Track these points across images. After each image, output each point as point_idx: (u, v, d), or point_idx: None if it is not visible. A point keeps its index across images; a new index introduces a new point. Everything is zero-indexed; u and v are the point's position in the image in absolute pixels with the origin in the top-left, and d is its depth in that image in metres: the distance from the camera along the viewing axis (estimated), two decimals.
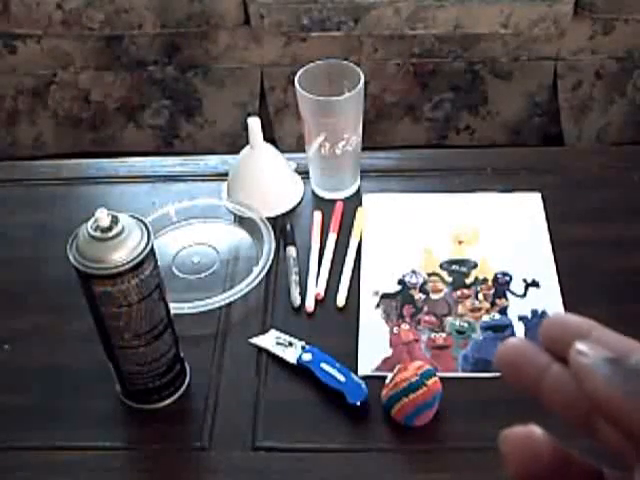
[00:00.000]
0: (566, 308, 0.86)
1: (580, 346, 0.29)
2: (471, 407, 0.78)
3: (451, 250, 0.95)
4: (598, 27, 1.80)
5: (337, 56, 1.09)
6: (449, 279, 0.91)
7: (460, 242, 0.95)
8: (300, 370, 0.81)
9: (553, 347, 0.31)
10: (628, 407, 0.27)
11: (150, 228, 0.71)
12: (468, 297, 0.89)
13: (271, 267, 0.91)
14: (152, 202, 1.01)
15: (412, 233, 0.97)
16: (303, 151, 1.01)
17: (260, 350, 0.85)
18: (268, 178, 1.01)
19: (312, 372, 0.80)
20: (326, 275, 0.92)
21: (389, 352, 0.84)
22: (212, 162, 1.09)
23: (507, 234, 0.96)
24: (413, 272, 0.92)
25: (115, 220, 0.68)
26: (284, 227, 0.98)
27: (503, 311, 0.87)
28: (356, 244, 0.95)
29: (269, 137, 1.04)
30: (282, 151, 1.02)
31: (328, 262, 0.93)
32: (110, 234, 0.68)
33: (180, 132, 2.00)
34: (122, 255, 0.68)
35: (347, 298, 0.89)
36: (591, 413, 0.29)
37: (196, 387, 0.82)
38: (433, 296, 0.89)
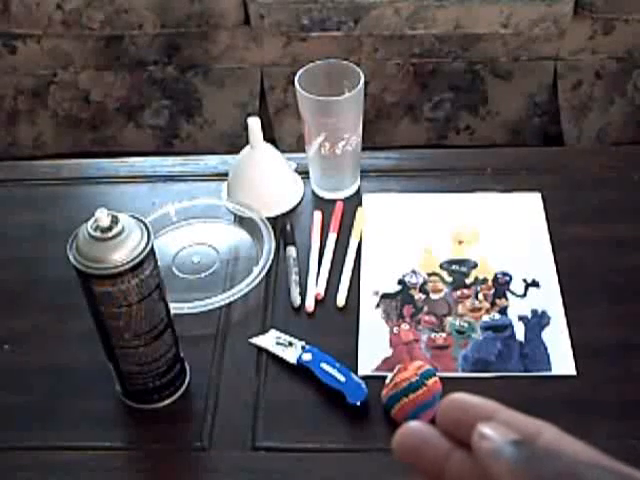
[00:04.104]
0: (566, 308, 0.86)
1: (484, 429, 0.28)
2: None
3: (451, 250, 0.95)
4: (598, 27, 1.80)
5: (337, 56, 1.09)
6: (449, 279, 0.91)
7: (460, 242, 0.95)
8: (300, 370, 0.81)
9: (453, 430, 0.30)
10: None
11: (150, 228, 0.71)
12: (468, 297, 0.89)
13: (271, 267, 0.91)
14: (152, 202, 1.01)
15: (412, 233, 0.97)
16: (303, 151, 1.01)
17: (260, 350, 0.85)
18: (268, 178, 1.01)
19: (312, 372, 0.80)
20: (326, 275, 0.92)
21: (389, 352, 0.84)
22: (212, 162, 1.09)
23: (507, 234, 0.96)
24: (413, 272, 0.92)
25: (115, 220, 0.68)
26: (284, 227, 0.98)
27: (503, 311, 0.87)
28: (356, 244, 0.95)
29: (269, 137, 1.04)
30: (282, 151, 1.02)
31: (328, 262, 0.93)
32: (110, 234, 0.68)
33: (180, 132, 2.00)
34: (122, 255, 0.68)
35: (347, 298, 0.89)
36: None
37: (196, 387, 0.82)
38: (433, 296, 0.89)
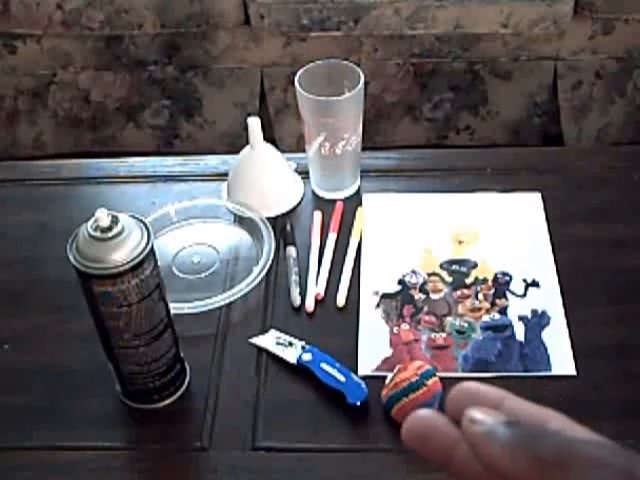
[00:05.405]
0: (566, 308, 0.86)
1: (473, 414, 0.28)
2: None
3: (451, 250, 0.95)
4: (598, 27, 1.80)
5: (337, 56, 1.09)
6: (449, 279, 0.91)
7: (460, 242, 0.95)
8: (300, 370, 0.81)
9: (461, 417, 0.30)
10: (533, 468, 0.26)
11: (150, 228, 0.71)
12: (468, 297, 0.89)
13: (271, 267, 0.91)
14: (152, 202, 1.01)
15: (412, 233, 0.97)
16: (303, 151, 1.01)
17: (260, 350, 0.85)
18: (268, 178, 1.01)
19: (312, 372, 0.80)
20: (326, 275, 0.92)
21: (389, 352, 0.84)
22: (212, 162, 1.09)
23: (507, 234, 0.96)
24: (413, 272, 0.92)
25: (115, 220, 0.68)
26: (284, 227, 0.98)
27: (503, 311, 0.87)
28: (356, 244, 0.95)
29: (269, 137, 1.04)
30: (282, 151, 1.02)
31: (328, 262, 0.93)
32: (110, 234, 0.67)
33: (180, 132, 2.00)
34: (122, 255, 0.68)
35: (347, 298, 0.89)
36: None
37: (196, 387, 0.82)
38: (433, 296, 0.89)
